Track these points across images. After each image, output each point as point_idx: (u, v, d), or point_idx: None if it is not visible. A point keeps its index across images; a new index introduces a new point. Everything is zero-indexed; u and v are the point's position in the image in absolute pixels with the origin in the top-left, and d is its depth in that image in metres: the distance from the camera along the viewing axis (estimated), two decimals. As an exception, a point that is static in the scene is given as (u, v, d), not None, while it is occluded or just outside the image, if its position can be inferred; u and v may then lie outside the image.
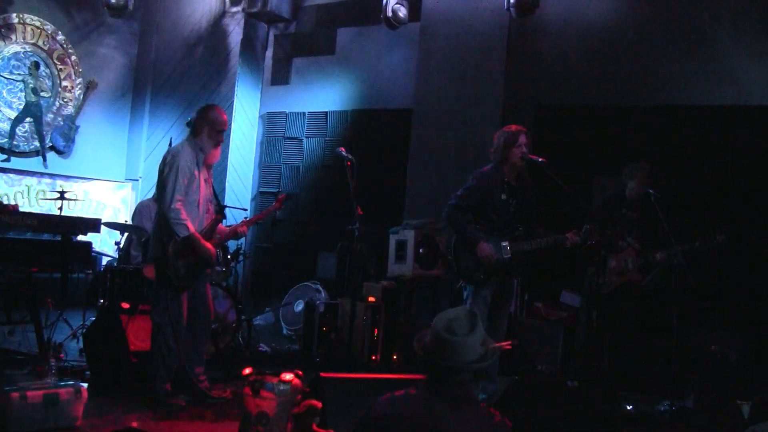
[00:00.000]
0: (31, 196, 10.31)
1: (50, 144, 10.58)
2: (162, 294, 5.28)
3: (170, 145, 6.88)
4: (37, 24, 10.38)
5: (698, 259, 6.11)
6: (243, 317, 7.69)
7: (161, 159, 5.38)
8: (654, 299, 6.71)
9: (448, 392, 2.64)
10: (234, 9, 10.76)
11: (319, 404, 3.92)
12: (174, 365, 5.32)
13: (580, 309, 6.79)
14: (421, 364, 2.71)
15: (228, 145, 10.41)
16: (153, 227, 5.41)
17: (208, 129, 5.43)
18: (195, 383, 5.44)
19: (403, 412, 2.60)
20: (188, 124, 5.52)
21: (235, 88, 10.67)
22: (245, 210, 9.92)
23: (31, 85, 10.32)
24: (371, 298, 7.44)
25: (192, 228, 5.24)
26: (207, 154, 5.46)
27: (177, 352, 5.29)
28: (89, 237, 6.76)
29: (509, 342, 3.36)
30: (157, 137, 11.30)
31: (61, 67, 10.69)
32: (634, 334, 6.67)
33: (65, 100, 10.77)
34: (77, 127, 10.88)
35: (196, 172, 5.36)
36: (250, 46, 10.88)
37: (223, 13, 10.95)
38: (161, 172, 5.28)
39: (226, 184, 10.51)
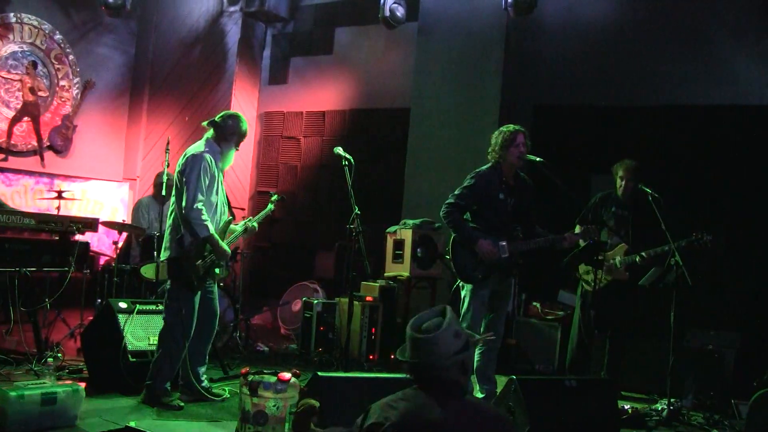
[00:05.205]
0: (28, 195, 10.31)
1: (48, 143, 10.56)
2: (177, 293, 5.28)
3: (168, 144, 6.89)
4: (35, 23, 10.36)
5: (696, 258, 6.12)
6: (241, 316, 7.69)
7: (182, 159, 5.32)
8: (652, 298, 6.71)
9: (439, 389, 2.68)
10: (232, 8, 10.76)
11: (317, 404, 3.92)
12: (177, 365, 5.34)
13: (575, 308, 6.81)
14: (407, 371, 2.77)
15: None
16: (168, 227, 5.37)
17: (237, 139, 5.53)
18: (195, 383, 5.45)
19: (401, 415, 2.62)
20: (211, 124, 5.49)
21: (233, 88, 10.67)
22: (243, 210, 9.93)
23: (28, 85, 10.30)
24: (369, 298, 7.45)
25: (212, 228, 5.26)
26: (225, 161, 5.50)
27: (184, 352, 5.30)
28: (87, 236, 6.75)
29: (490, 333, 3.40)
30: (155, 137, 11.30)
31: (58, 66, 10.68)
32: (629, 333, 6.67)
33: (63, 99, 10.76)
34: (75, 127, 10.87)
35: (216, 174, 5.38)
36: (248, 45, 10.88)
37: (220, 13, 10.94)
38: (181, 172, 5.25)
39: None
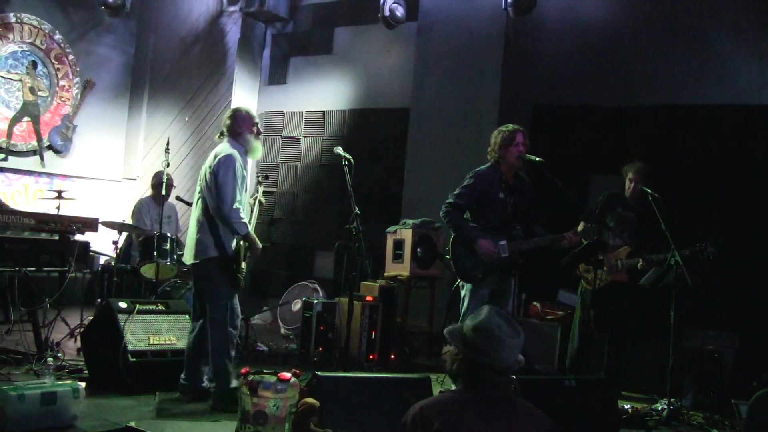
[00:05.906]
0: (28, 195, 10.31)
1: (48, 143, 10.57)
2: (226, 292, 5.34)
3: (167, 144, 6.89)
4: (35, 23, 10.37)
5: (696, 263, 6.12)
6: (241, 316, 7.68)
7: (212, 161, 5.33)
8: (651, 298, 6.71)
9: (492, 391, 2.71)
10: (231, 8, 10.76)
11: (317, 403, 3.93)
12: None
13: (575, 308, 6.82)
14: (472, 366, 2.73)
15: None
16: (198, 228, 5.37)
17: (247, 126, 5.49)
18: (198, 382, 5.47)
19: (466, 419, 2.63)
20: (222, 134, 5.52)
21: (233, 88, 10.68)
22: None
23: (28, 85, 10.31)
24: (369, 298, 7.44)
25: (250, 226, 5.39)
26: (252, 152, 5.54)
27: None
28: (87, 236, 6.75)
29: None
30: (155, 137, 11.30)
31: (58, 66, 10.68)
32: (629, 333, 6.68)
33: (63, 99, 10.77)
34: (75, 127, 10.87)
35: (245, 174, 5.44)
36: (248, 45, 10.88)
37: (220, 13, 10.95)
38: (215, 173, 5.25)
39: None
